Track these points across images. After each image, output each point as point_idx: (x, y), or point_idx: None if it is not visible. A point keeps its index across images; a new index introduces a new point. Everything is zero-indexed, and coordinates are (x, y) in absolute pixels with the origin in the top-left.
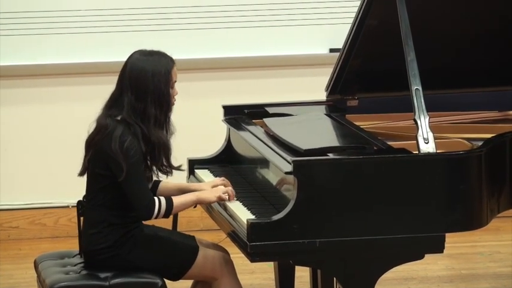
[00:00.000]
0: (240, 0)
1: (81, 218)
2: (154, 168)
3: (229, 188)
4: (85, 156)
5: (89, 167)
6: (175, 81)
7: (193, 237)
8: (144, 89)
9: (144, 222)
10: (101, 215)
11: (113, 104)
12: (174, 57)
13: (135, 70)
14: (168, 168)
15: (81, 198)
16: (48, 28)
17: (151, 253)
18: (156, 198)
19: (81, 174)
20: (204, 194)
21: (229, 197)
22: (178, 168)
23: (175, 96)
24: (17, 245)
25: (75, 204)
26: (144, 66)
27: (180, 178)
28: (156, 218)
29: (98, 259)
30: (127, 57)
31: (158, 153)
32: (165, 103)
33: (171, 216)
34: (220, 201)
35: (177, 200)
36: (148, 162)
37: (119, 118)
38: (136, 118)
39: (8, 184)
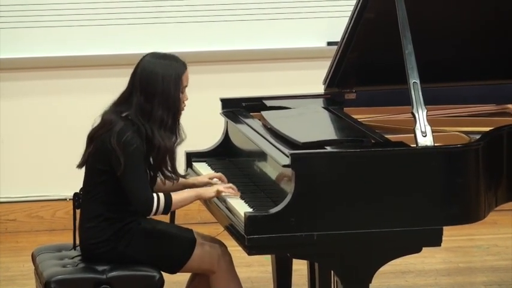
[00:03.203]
0: None
1: (78, 211)
2: (157, 171)
3: (231, 185)
4: (86, 148)
5: (89, 161)
6: (186, 86)
7: (191, 230)
8: (153, 91)
9: None
10: (98, 209)
11: (122, 102)
12: (171, 50)
13: (146, 71)
14: (173, 175)
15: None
16: (48, 21)
17: (149, 246)
18: (155, 194)
19: (80, 166)
20: (203, 190)
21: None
22: (183, 176)
23: (185, 102)
24: (14, 237)
25: (72, 197)
26: (155, 68)
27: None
28: (155, 214)
29: (95, 253)
30: (127, 50)
31: (161, 156)
32: (172, 106)
33: None
34: (219, 195)
35: (176, 196)
36: (152, 164)
37: (123, 115)
38: (143, 119)
39: (5, 177)
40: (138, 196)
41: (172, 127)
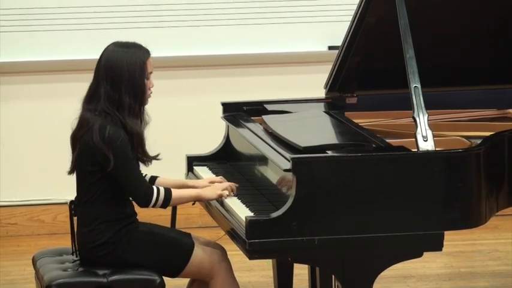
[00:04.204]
0: None
1: (75, 218)
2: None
3: (230, 184)
4: (73, 153)
5: (77, 164)
6: (151, 73)
7: (190, 234)
8: (119, 79)
9: (139, 219)
10: (94, 212)
11: (91, 96)
12: (172, 54)
13: (110, 61)
14: (145, 158)
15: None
16: (49, 25)
17: (147, 250)
18: (154, 187)
19: (71, 172)
20: (204, 192)
21: (232, 191)
22: (155, 158)
23: (151, 88)
24: (15, 241)
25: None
26: (119, 57)
27: (178, 174)
28: (154, 206)
29: (95, 256)
30: None
31: (134, 142)
32: (139, 93)
33: (170, 213)
34: (220, 198)
35: (176, 192)
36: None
37: (97, 111)
38: (113, 107)
39: (6, 181)
40: (138, 187)
41: (138, 113)
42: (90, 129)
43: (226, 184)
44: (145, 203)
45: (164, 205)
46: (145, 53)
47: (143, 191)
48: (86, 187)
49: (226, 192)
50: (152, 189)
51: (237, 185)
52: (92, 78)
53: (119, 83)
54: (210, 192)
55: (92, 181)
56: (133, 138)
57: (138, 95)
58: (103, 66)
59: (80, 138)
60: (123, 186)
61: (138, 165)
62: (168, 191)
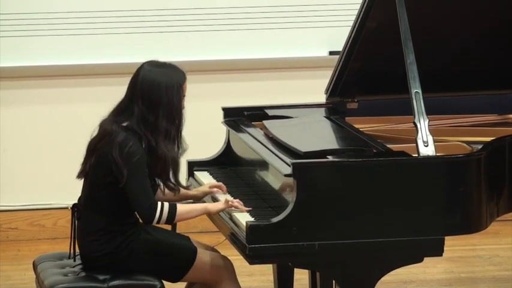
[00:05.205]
0: (240, 2)
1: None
2: (159, 182)
3: (238, 200)
4: (86, 159)
5: (90, 173)
6: (185, 96)
7: (188, 238)
8: (157, 101)
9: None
10: (100, 223)
11: (122, 111)
12: (172, 59)
13: (148, 81)
14: (175, 186)
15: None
16: (49, 30)
17: (149, 257)
18: (159, 202)
19: (79, 176)
20: (211, 205)
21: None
22: (186, 187)
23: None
24: (16, 246)
25: (71, 208)
26: (157, 78)
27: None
28: (158, 223)
29: (97, 264)
30: (127, 59)
31: (166, 167)
32: (177, 117)
33: None
34: (230, 207)
35: (182, 207)
36: (156, 175)
37: (124, 124)
38: (146, 129)
39: (7, 185)
40: (142, 203)
41: (175, 138)
42: (111, 142)
43: (236, 200)
44: (148, 219)
45: (169, 221)
46: (182, 75)
47: (147, 208)
48: (95, 197)
49: (232, 203)
50: (156, 207)
51: (241, 203)
52: (125, 93)
53: (157, 107)
54: (217, 205)
55: (102, 193)
56: (164, 162)
57: (176, 119)
58: (140, 86)
59: (99, 149)
60: (129, 200)
61: (150, 181)
62: (172, 208)
